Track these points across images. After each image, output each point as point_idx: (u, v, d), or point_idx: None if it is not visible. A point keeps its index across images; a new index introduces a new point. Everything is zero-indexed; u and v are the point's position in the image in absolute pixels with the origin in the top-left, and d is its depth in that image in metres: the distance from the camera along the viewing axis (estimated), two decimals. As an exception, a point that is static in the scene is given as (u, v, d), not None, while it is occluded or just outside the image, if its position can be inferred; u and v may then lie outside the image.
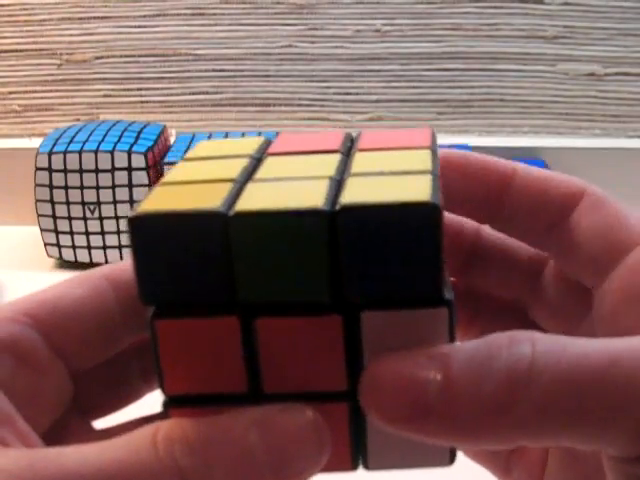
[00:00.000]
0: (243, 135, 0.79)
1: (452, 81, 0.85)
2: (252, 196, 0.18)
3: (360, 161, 0.20)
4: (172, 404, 0.19)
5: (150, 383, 0.23)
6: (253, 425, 0.18)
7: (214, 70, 0.85)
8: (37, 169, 0.71)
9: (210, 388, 0.19)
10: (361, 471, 0.20)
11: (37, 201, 0.72)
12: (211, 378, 0.19)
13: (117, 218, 0.72)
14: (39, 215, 0.72)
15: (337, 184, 0.19)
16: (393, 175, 0.19)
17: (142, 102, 0.86)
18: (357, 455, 0.20)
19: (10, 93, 0.86)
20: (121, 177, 0.71)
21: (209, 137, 0.78)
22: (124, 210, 0.72)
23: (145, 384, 0.23)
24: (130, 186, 0.72)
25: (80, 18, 0.84)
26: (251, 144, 0.22)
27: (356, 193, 0.18)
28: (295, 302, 0.18)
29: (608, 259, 0.21)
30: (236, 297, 0.18)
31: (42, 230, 0.73)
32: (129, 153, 0.71)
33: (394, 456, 0.20)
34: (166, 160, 0.72)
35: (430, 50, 0.84)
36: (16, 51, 0.85)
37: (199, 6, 0.83)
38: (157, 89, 0.86)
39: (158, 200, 0.18)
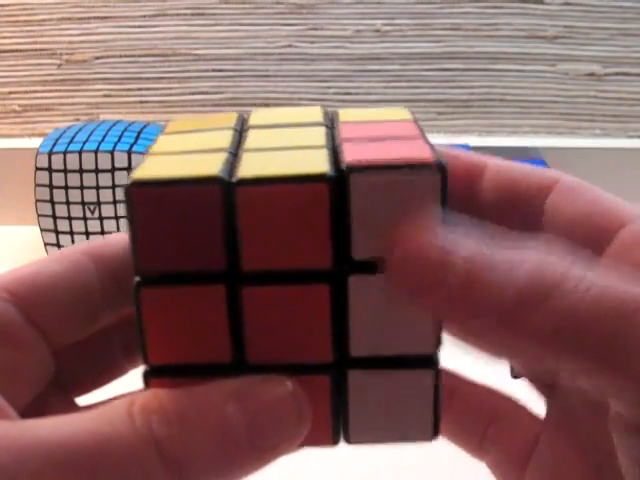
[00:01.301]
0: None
1: (452, 81, 0.85)
2: (252, 164, 0.18)
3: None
4: (153, 375, 0.19)
5: (133, 359, 0.23)
6: (231, 396, 0.18)
7: (214, 70, 0.85)
8: (37, 169, 0.71)
9: (193, 358, 0.19)
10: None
11: (37, 201, 0.72)
12: (195, 348, 0.19)
13: (117, 218, 0.72)
14: (39, 215, 0.72)
15: (333, 152, 0.19)
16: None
17: (142, 102, 0.86)
18: (338, 429, 0.20)
19: (10, 93, 0.86)
20: (121, 177, 0.71)
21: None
22: (124, 210, 0.72)
23: (127, 360, 0.23)
24: (130, 186, 0.72)
25: (80, 18, 0.84)
26: (227, 119, 0.22)
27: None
28: (295, 270, 0.18)
29: (591, 247, 0.20)
30: (238, 265, 0.18)
31: (42, 230, 0.73)
32: (129, 153, 0.71)
33: (376, 430, 0.20)
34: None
35: (430, 50, 0.84)
36: (16, 51, 0.85)
37: (199, 6, 0.83)
38: (157, 89, 0.86)
39: (152, 169, 0.18)
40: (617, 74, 0.85)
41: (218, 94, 0.86)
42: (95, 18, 0.84)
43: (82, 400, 0.23)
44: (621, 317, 0.16)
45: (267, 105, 0.86)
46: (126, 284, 0.19)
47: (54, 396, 0.21)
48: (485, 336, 0.16)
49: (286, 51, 0.84)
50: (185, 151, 0.19)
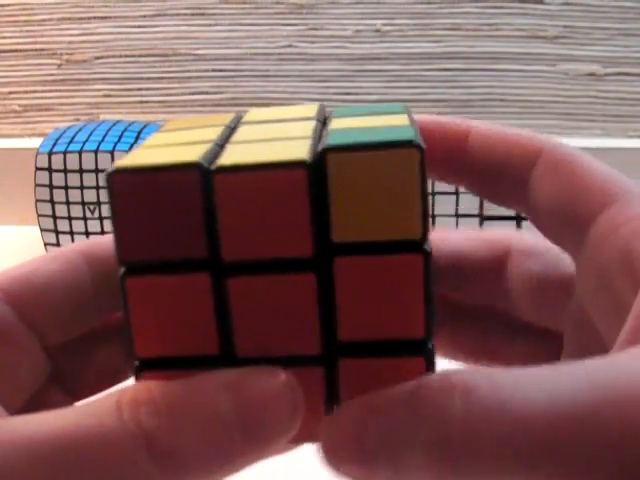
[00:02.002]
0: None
1: (452, 81, 0.85)
2: (233, 153, 0.18)
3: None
4: (144, 369, 0.19)
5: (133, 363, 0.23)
6: (224, 386, 0.17)
7: (214, 70, 0.85)
8: (37, 169, 0.71)
9: (182, 350, 0.18)
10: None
11: (37, 201, 0.72)
12: (183, 339, 0.18)
13: (117, 218, 0.72)
14: (39, 215, 0.72)
15: (317, 140, 0.19)
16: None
17: (142, 102, 0.86)
18: None
19: (10, 93, 0.86)
20: (121, 177, 0.71)
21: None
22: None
23: (129, 364, 0.23)
24: (130, 186, 0.72)
25: (80, 18, 0.84)
26: (223, 118, 0.22)
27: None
28: (278, 259, 0.18)
29: (574, 231, 0.19)
30: (218, 255, 0.18)
31: (42, 230, 0.73)
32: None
33: None
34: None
35: (430, 50, 0.84)
36: (16, 51, 0.85)
37: (199, 6, 0.83)
38: (157, 89, 0.86)
39: (136, 158, 0.18)
40: (617, 74, 0.85)
41: (218, 94, 0.86)
42: (95, 18, 0.84)
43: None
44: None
45: (267, 105, 0.86)
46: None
47: (54, 396, 0.21)
48: None
49: (286, 51, 0.84)
50: (172, 144, 0.19)
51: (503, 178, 0.21)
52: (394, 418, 0.16)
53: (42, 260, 0.21)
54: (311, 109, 0.22)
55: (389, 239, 0.18)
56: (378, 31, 0.84)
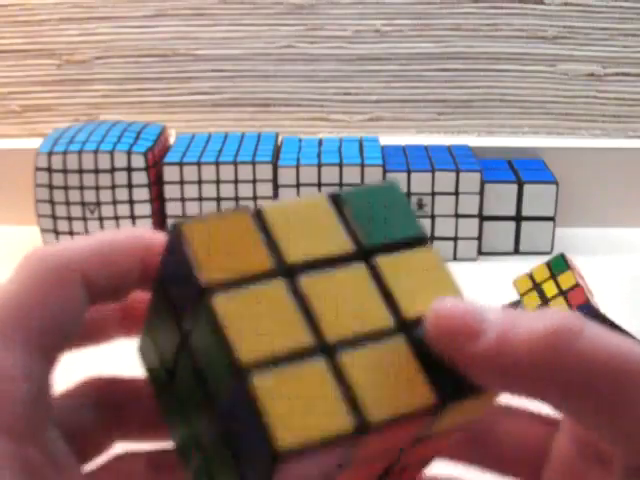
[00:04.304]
0: (242, 136, 0.79)
1: (452, 81, 0.85)
2: None
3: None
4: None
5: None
6: None
7: (214, 70, 0.85)
8: (37, 169, 0.71)
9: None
10: None
11: (37, 201, 0.72)
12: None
13: (117, 218, 0.72)
14: (39, 215, 0.72)
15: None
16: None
17: (142, 102, 0.86)
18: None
19: (10, 93, 0.86)
20: (121, 177, 0.71)
21: (208, 138, 0.78)
22: (124, 210, 0.72)
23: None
24: (130, 186, 0.72)
25: (80, 18, 0.84)
26: (257, 251, 0.21)
27: None
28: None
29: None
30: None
31: (42, 230, 0.73)
32: (129, 153, 0.71)
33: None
34: (166, 160, 0.72)
35: (430, 50, 0.84)
36: (16, 51, 0.85)
37: (199, 6, 0.83)
38: (157, 89, 0.86)
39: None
40: (617, 74, 0.85)
41: (218, 94, 0.86)
42: (95, 18, 0.84)
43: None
44: (623, 370, 0.18)
45: (267, 105, 0.86)
46: None
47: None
48: (517, 376, 0.19)
49: (286, 51, 0.84)
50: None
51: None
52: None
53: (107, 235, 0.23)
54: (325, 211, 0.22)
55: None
56: (378, 31, 0.84)
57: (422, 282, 0.21)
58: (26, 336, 0.20)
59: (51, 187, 0.71)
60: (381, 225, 0.21)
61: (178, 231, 0.20)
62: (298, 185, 0.72)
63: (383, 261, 0.21)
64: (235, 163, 0.72)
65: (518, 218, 0.74)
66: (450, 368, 0.19)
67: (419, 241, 0.21)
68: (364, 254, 0.21)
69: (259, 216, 0.20)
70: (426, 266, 0.21)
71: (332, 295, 0.20)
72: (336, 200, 0.21)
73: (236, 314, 0.19)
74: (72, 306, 0.21)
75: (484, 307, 0.19)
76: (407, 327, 0.20)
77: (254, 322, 0.19)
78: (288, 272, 0.20)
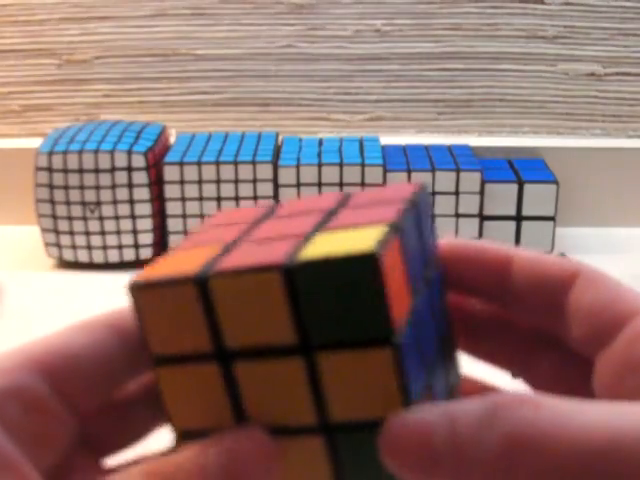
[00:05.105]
0: (242, 136, 0.79)
1: (452, 81, 0.85)
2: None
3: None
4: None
5: (157, 420, 0.25)
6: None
7: (214, 70, 0.85)
8: (37, 169, 0.71)
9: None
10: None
11: (37, 201, 0.72)
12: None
13: (117, 218, 0.72)
14: (39, 215, 0.72)
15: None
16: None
17: (142, 102, 0.86)
18: None
19: (10, 93, 0.86)
20: (121, 177, 0.71)
21: (209, 137, 0.78)
22: (124, 210, 0.72)
23: (152, 422, 0.25)
24: (130, 186, 0.72)
25: (80, 18, 0.84)
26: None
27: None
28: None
29: (607, 331, 0.22)
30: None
31: (42, 230, 0.73)
32: (129, 153, 0.71)
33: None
34: (166, 160, 0.72)
35: (430, 50, 0.84)
36: (16, 51, 0.85)
37: (199, 6, 0.83)
38: (157, 89, 0.86)
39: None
40: (617, 74, 0.85)
41: (218, 94, 0.86)
42: (95, 18, 0.84)
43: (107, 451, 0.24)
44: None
45: (267, 105, 0.86)
46: (143, 353, 0.22)
47: (81, 458, 0.23)
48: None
49: (286, 51, 0.84)
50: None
51: (544, 295, 0.24)
52: (468, 418, 0.18)
53: (73, 332, 0.23)
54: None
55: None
56: (378, 31, 0.84)
57: (362, 387, 0.20)
58: None
59: (51, 187, 0.71)
60: (336, 318, 0.19)
61: (132, 297, 0.21)
62: (298, 185, 0.72)
63: (325, 359, 0.20)
64: (235, 163, 0.72)
65: (518, 218, 0.74)
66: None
67: (378, 342, 0.19)
68: (307, 349, 0.20)
69: (205, 287, 0.20)
70: (375, 370, 0.19)
71: (261, 385, 0.20)
72: (291, 279, 0.19)
73: (175, 387, 0.21)
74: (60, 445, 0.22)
75: (433, 423, 0.19)
76: (329, 429, 0.20)
77: (189, 397, 0.21)
78: (225, 356, 0.21)
